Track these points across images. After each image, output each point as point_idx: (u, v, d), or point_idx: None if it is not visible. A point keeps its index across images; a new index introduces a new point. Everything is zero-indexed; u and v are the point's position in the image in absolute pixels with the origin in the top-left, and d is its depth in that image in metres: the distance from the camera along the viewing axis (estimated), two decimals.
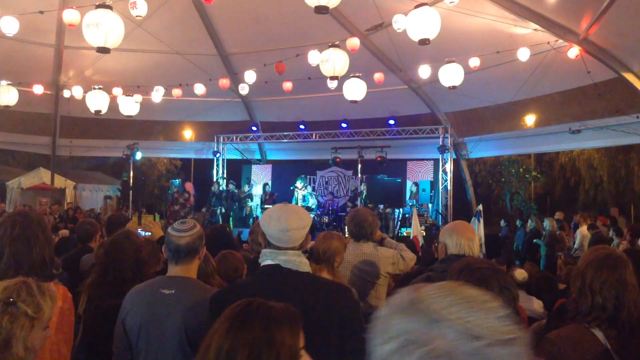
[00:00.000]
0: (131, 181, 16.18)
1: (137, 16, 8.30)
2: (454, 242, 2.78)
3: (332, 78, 9.58)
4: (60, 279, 2.99)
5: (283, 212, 2.18)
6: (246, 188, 17.45)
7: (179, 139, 18.75)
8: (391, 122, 15.77)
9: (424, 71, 11.38)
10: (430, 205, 15.93)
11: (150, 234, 3.91)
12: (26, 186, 19.32)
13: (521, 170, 22.43)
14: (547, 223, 11.73)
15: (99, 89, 11.95)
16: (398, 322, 0.84)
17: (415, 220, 10.85)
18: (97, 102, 11.84)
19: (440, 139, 15.64)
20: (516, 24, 10.52)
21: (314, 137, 17.11)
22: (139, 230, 5.08)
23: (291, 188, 16.52)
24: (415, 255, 4.16)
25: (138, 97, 13.33)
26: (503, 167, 22.67)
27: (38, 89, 13.80)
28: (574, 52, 10.51)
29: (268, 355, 1.30)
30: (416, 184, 16.32)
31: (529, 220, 12.91)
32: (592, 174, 22.29)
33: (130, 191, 16.15)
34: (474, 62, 10.86)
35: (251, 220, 16.41)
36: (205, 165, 20.95)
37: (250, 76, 12.09)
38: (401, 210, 15.51)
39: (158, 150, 20.45)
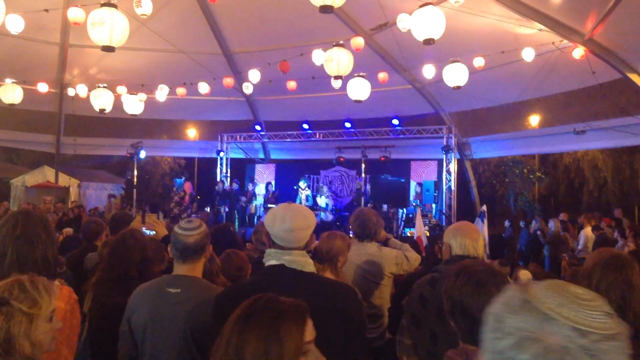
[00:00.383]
0: (135, 180, 16.21)
1: (142, 15, 8.30)
2: (459, 243, 2.76)
3: (337, 77, 9.58)
4: (64, 278, 3.00)
5: (287, 211, 2.18)
6: (250, 187, 17.45)
7: (182, 138, 18.77)
8: (395, 121, 15.74)
9: (428, 71, 11.36)
10: (434, 205, 15.91)
11: (154, 232, 3.92)
12: (30, 184, 19.40)
13: (525, 170, 22.38)
14: (552, 224, 11.70)
15: (104, 87, 11.95)
16: (512, 320, 0.93)
17: (419, 221, 10.82)
18: (101, 100, 11.85)
19: (445, 139, 15.62)
20: (521, 24, 10.48)
21: (317, 136, 17.13)
22: (143, 229, 5.09)
23: (294, 187, 16.52)
24: (419, 255, 4.15)
25: (142, 96, 13.35)
26: (507, 167, 22.62)
27: (43, 87, 13.81)
28: (578, 52, 10.47)
29: (273, 349, 1.32)
30: (420, 184, 16.29)
31: (533, 221, 12.88)
32: (597, 174, 22.21)
33: (134, 190, 16.19)
34: (479, 62, 10.84)
35: (255, 219, 16.44)
36: (209, 164, 20.98)
37: (254, 75, 12.10)
38: (405, 210, 15.50)
39: (162, 149, 20.49)
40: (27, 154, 25.46)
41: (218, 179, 18.40)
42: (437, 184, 16.11)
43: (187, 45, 13.76)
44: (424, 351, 2.60)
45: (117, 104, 12.67)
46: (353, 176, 17.29)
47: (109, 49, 7.43)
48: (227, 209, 16.49)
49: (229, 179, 18.32)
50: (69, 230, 8.08)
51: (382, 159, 15.52)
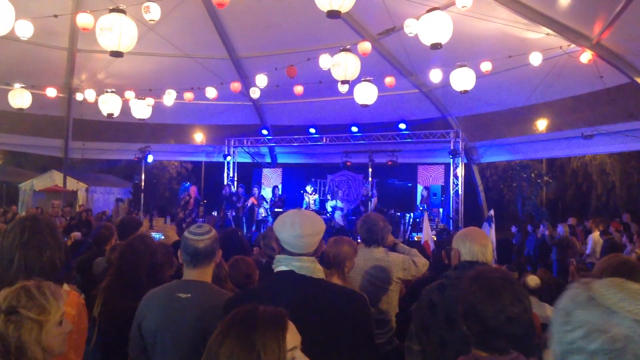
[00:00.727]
0: (142, 184, 16.26)
1: (150, 20, 8.36)
2: (467, 249, 2.75)
3: (344, 82, 9.59)
4: (73, 282, 3.02)
5: (297, 217, 2.19)
6: (255, 191, 17.46)
7: (190, 142, 18.82)
8: (402, 126, 15.74)
9: (435, 75, 11.36)
10: (441, 210, 15.88)
11: (163, 237, 3.93)
12: (38, 188, 19.47)
13: (533, 175, 22.29)
14: (561, 229, 11.63)
15: (112, 92, 12.00)
16: (580, 314, 1.06)
17: (426, 225, 10.78)
18: (109, 105, 11.90)
19: (452, 144, 15.58)
20: (528, 28, 10.46)
21: (324, 140, 17.13)
22: (152, 233, 5.11)
23: (301, 192, 16.52)
24: (427, 260, 4.13)
25: (150, 101, 13.40)
26: (514, 172, 22.54)
27: (51, 92, 13.90)
28: (586, 56, 10.44)
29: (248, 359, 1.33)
30: (427, 188, 16.25)
31: (541, 226, 12.81)
32: (605, 179, 22.07)
33: (142, 194, 16.24)
34: (486, 66, 10.82)
35: (262, 225, 16.43)
36: (216, 169, 21.04)
37: (261, 80, 12.14)
38: (412, 214, 15.47)
39: (169, 154, 20.56)
40: (35, 159, 25.56)
41: (225, 183, 18.43)
42: (444, 189, 16.08)
43: (194, 50, 13.83)
44: (432, 357, 2.60)
45: (125, 109, 12.72)
46: (360, 180, 17.29)
47: (117, 54, 7.46)
48: (233, 213, 16.50)
49: (236, 183, 18.34)
50: (77, 235, 8.11)
51: (389, 163, 15.51)
